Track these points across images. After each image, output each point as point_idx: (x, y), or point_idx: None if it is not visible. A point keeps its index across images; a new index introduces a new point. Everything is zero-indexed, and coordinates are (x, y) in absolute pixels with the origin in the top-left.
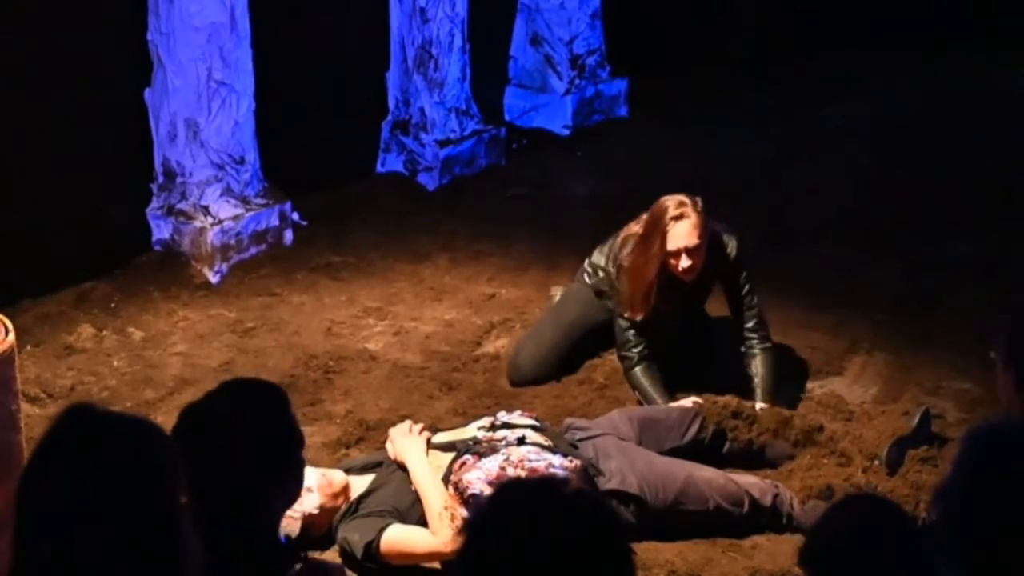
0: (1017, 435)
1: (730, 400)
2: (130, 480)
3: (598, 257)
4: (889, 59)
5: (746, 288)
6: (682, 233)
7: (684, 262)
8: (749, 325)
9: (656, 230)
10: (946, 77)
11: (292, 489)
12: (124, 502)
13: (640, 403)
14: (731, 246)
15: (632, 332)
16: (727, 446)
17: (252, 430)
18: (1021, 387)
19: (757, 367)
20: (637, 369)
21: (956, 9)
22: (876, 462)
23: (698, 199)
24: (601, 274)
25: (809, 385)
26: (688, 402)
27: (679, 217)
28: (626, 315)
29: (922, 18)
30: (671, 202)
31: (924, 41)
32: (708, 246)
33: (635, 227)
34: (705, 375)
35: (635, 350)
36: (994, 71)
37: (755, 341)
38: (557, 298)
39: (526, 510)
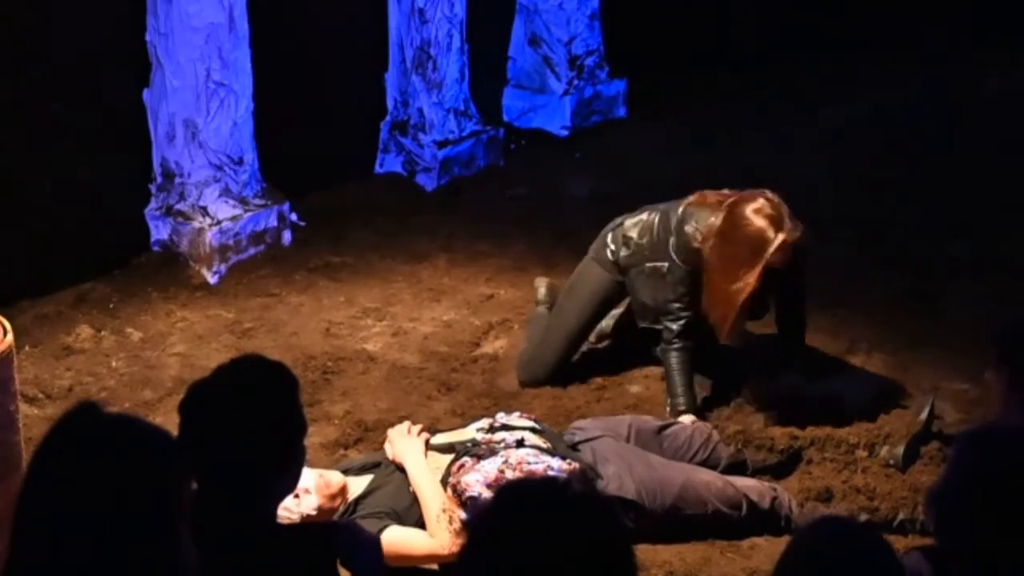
0: (1011, 437)
1: (740, 428)
2: (132, 482)
3: (633, 230)
4: (889, 59)
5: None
6: (781, 261)
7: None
8: (795, 324)
9: (756, 258)
10: (946, 77)
11: (290, 476)
12: (124, 504)
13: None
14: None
15: (683, 312)
16: (748, 471)
17: (256, 409)
18: (1014, 386)
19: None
20: (673, 354)
21: (955, 9)
22: (891, 463)
23: (780, 202)
24: (633, 248)
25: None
26: (687, 419)
27: (781, 249)
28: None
29: (921, 18)
30: (769, 230)
31: (924, 41)
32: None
33: (711, 218)
34: (728, 389)
35: (682, 327)
36: (994, 71)
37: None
38: (542, 291)
39: (529, 511)
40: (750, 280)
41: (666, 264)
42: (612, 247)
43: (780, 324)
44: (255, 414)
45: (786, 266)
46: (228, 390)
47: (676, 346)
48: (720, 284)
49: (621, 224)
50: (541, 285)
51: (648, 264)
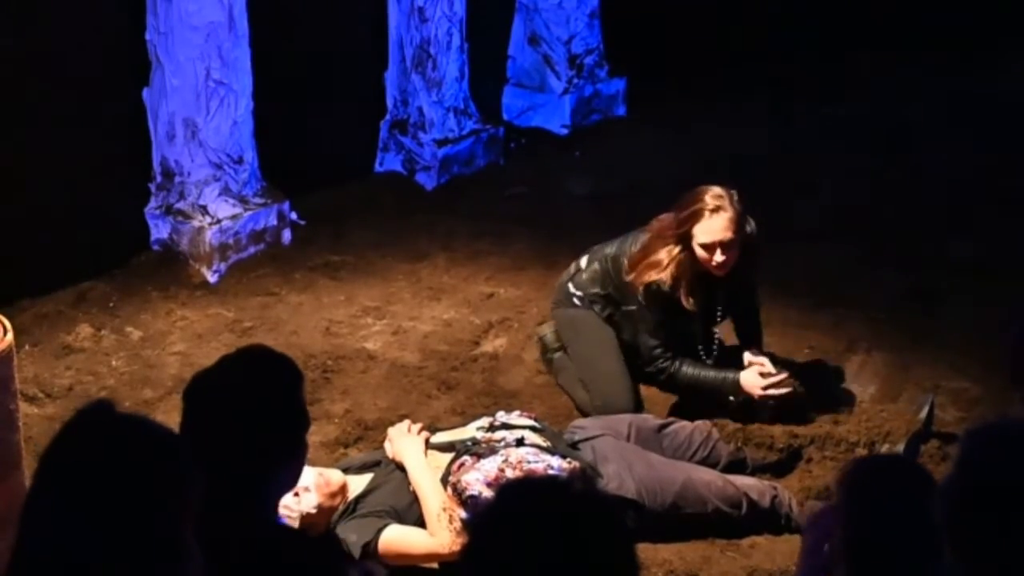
0: (1015, 435)
1: (740, 426)
2: (141, 482)
3: (588, 284)
4: (889, 59)
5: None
6: (718, 227)
7: (718, 257)
8: (751, 327)
9: (690, 218)
10: (946, 77)
11: (291, 470)
12: (133, 504)
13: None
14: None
15: (660, 348)
16: (748, 470)
17: (260, 399)
18: None
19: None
20: (684, 368)
21: (956, 9)
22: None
23: (734, 193)
24: (603, 303)
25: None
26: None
27: (716, 209)
28: (685, 305)
29: (922, 18)
30: (709, 193)
31: (924, 41)
32: (742, 244)
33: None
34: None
35: (668, 357)
36: (994, 71)
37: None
38: (550, 336)
39: (529, 511)
40: (682, 233)
41: (634, 307)
42: (579, 303)
43: (737, 328)
44: (258, 403)
45: (738, 263)
46: (232, 378)
47: (677, 366)
48: (654, 246)
49: (579, 271)
50: (547, 331)
51: (624, 308)
